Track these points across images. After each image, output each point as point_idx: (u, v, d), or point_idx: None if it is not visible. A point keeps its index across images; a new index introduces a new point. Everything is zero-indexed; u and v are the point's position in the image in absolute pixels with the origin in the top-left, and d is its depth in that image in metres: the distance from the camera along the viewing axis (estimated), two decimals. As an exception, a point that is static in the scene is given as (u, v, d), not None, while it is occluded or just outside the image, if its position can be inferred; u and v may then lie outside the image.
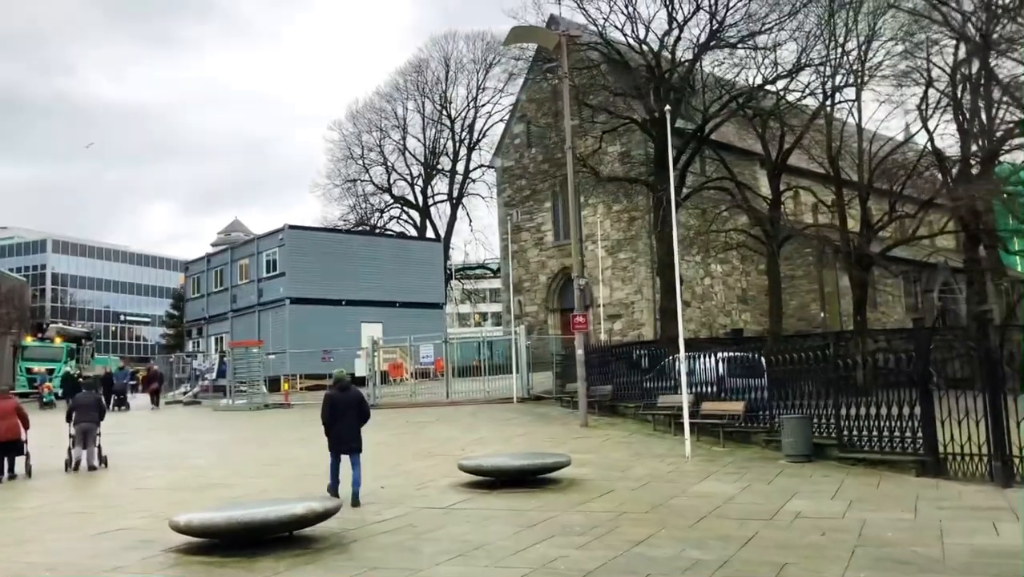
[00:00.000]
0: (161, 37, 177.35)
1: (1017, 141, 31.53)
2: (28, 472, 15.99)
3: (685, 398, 15.52)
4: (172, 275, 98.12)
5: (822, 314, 42.42)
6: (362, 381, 30.36)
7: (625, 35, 30.11)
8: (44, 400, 33.55)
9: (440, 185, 61.92)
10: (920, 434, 12.17)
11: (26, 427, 16.24)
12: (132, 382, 38.07)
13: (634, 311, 42.51)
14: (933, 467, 11.86)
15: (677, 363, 21.41)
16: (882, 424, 12.86)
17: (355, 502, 11.23)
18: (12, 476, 15.76)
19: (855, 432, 13.46)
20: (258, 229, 50.28)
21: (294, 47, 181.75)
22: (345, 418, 11.81)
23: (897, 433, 12.59)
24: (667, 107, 17.53)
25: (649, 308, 42.12)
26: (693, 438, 15.58)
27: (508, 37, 21.04)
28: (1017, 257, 39.63)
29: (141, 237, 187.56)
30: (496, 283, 72.77)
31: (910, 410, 12.33)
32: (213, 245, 63.77)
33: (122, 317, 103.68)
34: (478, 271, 67.60)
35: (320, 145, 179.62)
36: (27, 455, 16.14)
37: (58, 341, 43.37)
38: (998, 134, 31.42)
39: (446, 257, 56.51)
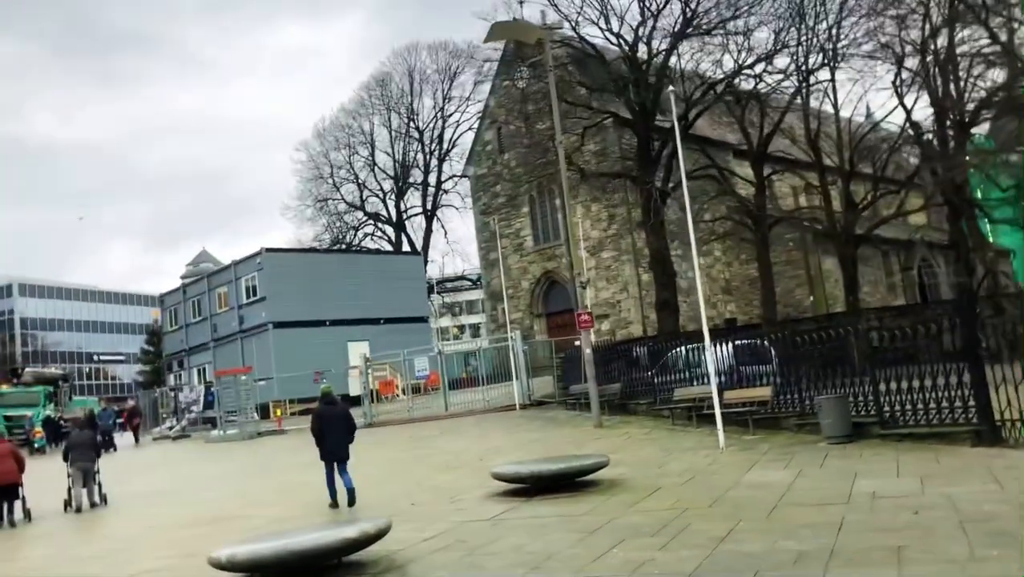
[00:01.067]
0: (108, 73, 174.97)
1: (987, 113, 31.73)
2: (27, 516, 15.20)
3: (715, 388, 14.97)
4: (143, 311, 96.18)
5: (810, 298, 42.28)
6: (357, 400, 29.57)
7: (600, 28, 29.81)
8: (36, 446, 32.31)
9: (413, 199, 61.44)
10: (972, 403, 11.73)
11: (22, 470, 15.46)
12: (119, 420, 36.89)
13: (621, 310, 42.08)
14: (989, 436, 11.41)
15: (682, 356, 21.12)
16: (927, 396, 12.42)
17: (351, 501, 12.26)
18: (12, 523, 14.92)
19: (897, 407, 13.01)
20: (227, 259, 49.18)
21: (245, 75, 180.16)
22: (334, 430, 12.54)
23: (946, 404, 12.15)
24: (670, 87, 17.05)
25: (636, 306, 41.74)
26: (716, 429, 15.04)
27: (489, 34, 20.48)
28: (999, 227, 39.90)
29: (105, 276, 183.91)
30: (475, 294, 72.21)
31: (958, 379, 11.90)
32: (183, 277, 62.49)
33: (95, 357, 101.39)
34: (458, 283, 66.92)
35: (284, 169, 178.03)
36: (23, 499, 15.35)
37: (34, 386, 41.95)
38: (969, 107, 31.54)
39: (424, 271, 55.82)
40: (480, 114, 50.30)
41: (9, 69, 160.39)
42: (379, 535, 8.41)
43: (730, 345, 18.30)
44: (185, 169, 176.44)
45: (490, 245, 46.85)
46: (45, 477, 17.64)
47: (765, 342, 18.83)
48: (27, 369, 52.58)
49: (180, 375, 46.85)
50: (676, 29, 29.67)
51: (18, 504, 15.28)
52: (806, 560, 6.66)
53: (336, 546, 8.01)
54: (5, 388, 42.43)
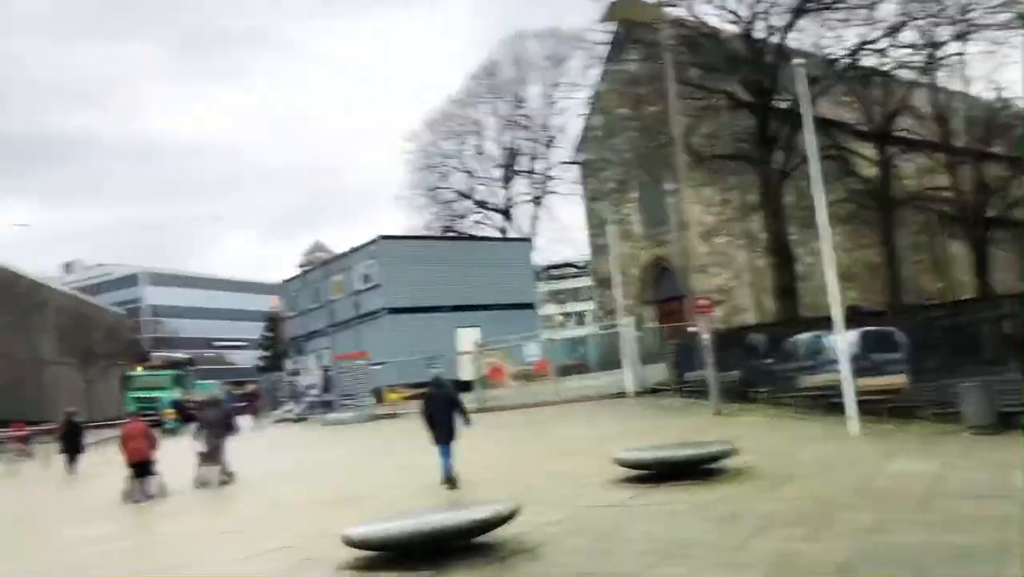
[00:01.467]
0: (224, 71, 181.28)
1: None
2: (161, 492, 15.87)
3: (847, 375, 14.31)
4: (261, 299, 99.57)
5: (939, 284, 40.30)
6: (468, 385, 29.75)
7: (716, 6, 28.95)
8: (167, 427, 33.81)
9: (520, 186, 61.48)
10: None
11: (154, 448, 16.24)
12: (242, 403, 38.26)
13: (734, 296, 41.00)
14: None
15: (804, 343, 20.37)
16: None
17: (446, 481, 12.73)
18: (149, 497, 15.64)
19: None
20: (340, 249, 50.41)
21: (357, 67, 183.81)
22: (442, 412, 13.00)
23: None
24: (797, 60, 16.30)
25: (750, 293, 40.63)
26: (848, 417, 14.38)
27: (606, 14, 20.14)
28: None
29: (225, 265, 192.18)
30: (581, 281, 71.91)
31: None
32: (300, 266, 64.42)
33: (216, 343, 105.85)
34: (564, 269, 66.76)
35: (394, 159, 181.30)
36: (157, 475, 16.06)
37: (163, 369, 44.12)
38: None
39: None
40: (588, 99, 49.72)
41: (132, 70, 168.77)
42: (509, 517, 8.30)
43: (856, 332, 17.52)
44: (299, 162, 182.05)
45: (598, 231, 46.42)
46: (176, 456, 18.34)
47: (895, 329, 18.01)
48: (155, 354, 55.36)
49: (298, 360, 48.33)
50: (796, 4, 28.53)
51: (152, 480, 16.02)
52: (974, 555, 6.19)
53: (467, 527, 7.95)
54: (137, 371, 44.80)
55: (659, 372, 28.75)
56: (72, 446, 24.37)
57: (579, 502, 10.52)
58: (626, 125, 44.13)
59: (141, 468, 15.92)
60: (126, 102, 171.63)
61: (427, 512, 8.61)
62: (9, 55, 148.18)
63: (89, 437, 27.14)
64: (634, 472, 11.84)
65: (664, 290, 45.12)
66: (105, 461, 23.93)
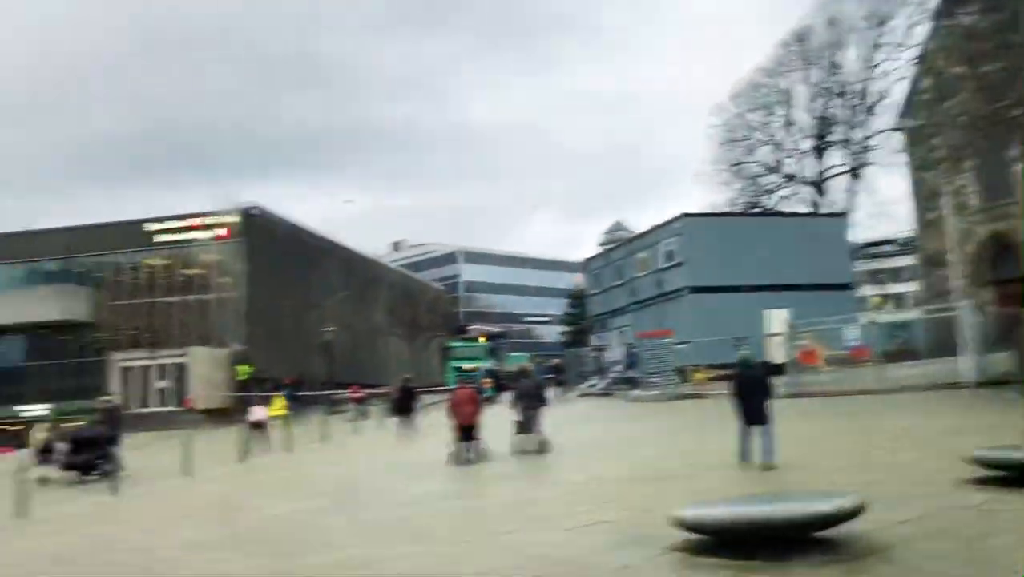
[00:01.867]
0: (531, 57, 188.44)
1: None
2: (484, 456, 16.76)
3: None
4: (564, 276, 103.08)
5: None
6: (780, 368, 28.43)
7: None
8: (485, 395, 35.96)
9: (834, 157, 57.55)
10: None
11: (479, 414, 17.31)
12: (550, 375, 39.69)
13: (1095, 279, 35.44)
14: None
15: None
16: None
17: (767, 466, 12.46)
18: (471, 460, 16.67)
19: None
20: (639, 228, 50.47)
21: (655, 49, 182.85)
22: (753, 393, 13.01)
23: None
24: None
25: (1116, 275, 34.89)
26: None
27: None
28: None
29: (530, 244, 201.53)
30: (900, 260, 66.21)
31: None
32: (600, 245, 65.61)
33: (524, 318, 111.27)
34: (882, 247, 61.75)
35: (693, 137, 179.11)
36: (481, 440, 17.05)
37: (481, 340, 47.04)
38: None
39: (845, 234, 52.05)
40: (915, 60, 45.25)
41: (450, 62, 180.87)
42: (855, 513, 7.59)
43: None
44: (600, 143, 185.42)
45: (926, 204, 42.24)
46: (493, 422, 19.26)
47: None
48: (470, 327, 59.19)
49: (602, 336, 49.20)
50: None
51: (477, 444, 17.00)
52: None
53: (808, 520, 7.40)
54: (457, 342, 48.17)
55: (999, 362, 25.60)
56: (405, 409, 26.65)
57: (929, 502, 9.46)
58: (962, 86, 39.67)
59: (467, 432, 16.98)
60: (443, 91, 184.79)
61: (759, 499, 8.17)
62: (344, 52, 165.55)
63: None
64: (990, 473, 10.49)
65: (1004, 270, 40.12)
66: (429, 424, 25.89)
